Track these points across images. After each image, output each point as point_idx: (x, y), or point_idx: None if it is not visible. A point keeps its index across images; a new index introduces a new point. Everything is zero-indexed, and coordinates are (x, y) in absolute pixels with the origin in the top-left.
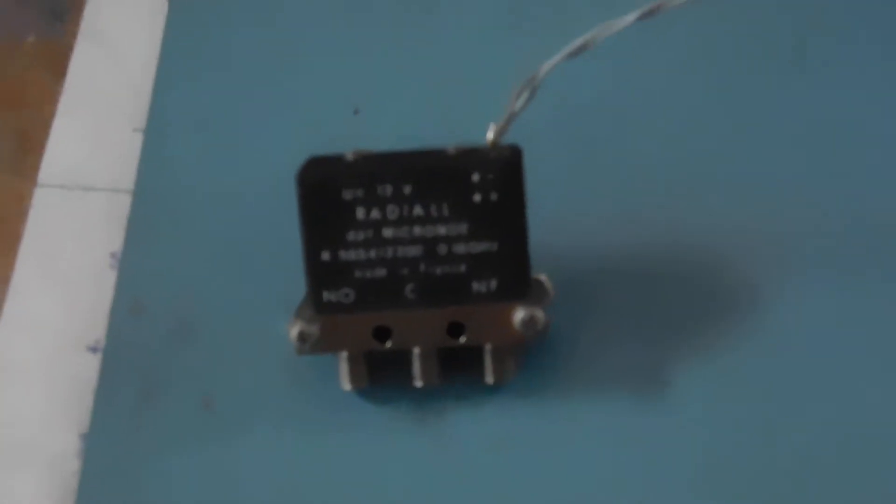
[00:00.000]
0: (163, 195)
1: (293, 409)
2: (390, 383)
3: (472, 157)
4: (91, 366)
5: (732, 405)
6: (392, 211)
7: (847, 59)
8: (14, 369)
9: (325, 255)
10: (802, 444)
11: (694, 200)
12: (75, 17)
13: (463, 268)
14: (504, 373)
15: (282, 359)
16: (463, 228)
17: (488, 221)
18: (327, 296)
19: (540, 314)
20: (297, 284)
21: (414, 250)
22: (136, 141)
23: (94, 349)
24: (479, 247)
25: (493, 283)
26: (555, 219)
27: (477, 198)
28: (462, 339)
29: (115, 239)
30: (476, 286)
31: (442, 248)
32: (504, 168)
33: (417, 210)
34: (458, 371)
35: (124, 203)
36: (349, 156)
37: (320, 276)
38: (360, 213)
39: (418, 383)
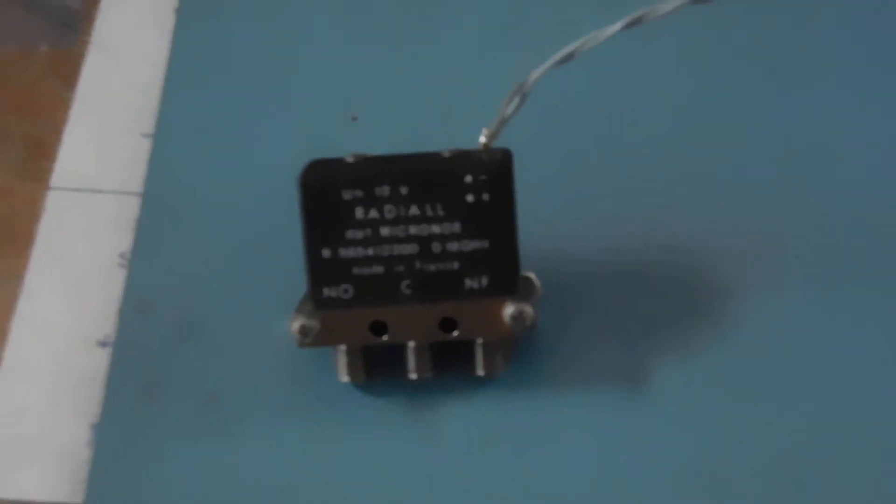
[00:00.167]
0: (170, 198)
1: (293, 402)
2: (386, 376)
3: (465, 159)
4: (100, 360)
5: (711, 401)
6: (389, 211)
7: (820, 70)
8: (27, 363)
9: (326, 253)
10: (778, 440)
11: (675, 205)
12: (86, 27)
13: (456, 265)
14: (494, 366)
15: (282, 354)
16: (456, 227)
17: (480, 221)
18: (327, 292)
19: (528, 309)
20: (296, 285)
21: (409, 248)
22: (144, 146)
23: (103, 344)
24: (471, 245)
25: (485, 280)
26: (542, 221)
27: (469, 198)
28: (455, 334)
29: (123, 240)
30: (468, 283)
31: (436, 247)
32: (495, 170)
33: (413, 210)
34: (451, 364)
35: (133, 205)
36: (348, 158)
37: (320, 272)
38: (358, 212)
39: (413, 376)
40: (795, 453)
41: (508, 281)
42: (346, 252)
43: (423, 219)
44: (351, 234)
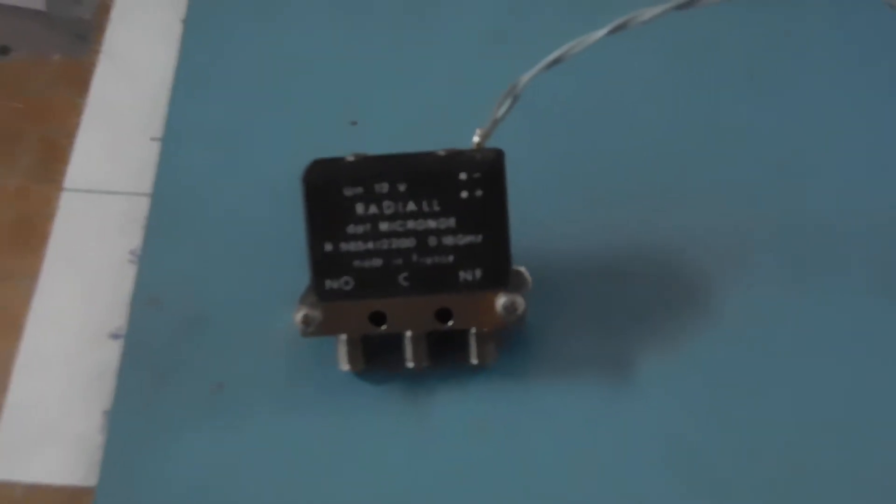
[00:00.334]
0: (177, 198)
1: (295, 389)
2: (384, 365)
3: (459, 158)
4: (112, 352)
5: (691, 388)
6: (388, 207)
7: (797, 75)
8: (43, 355)
9: (328, 247)
10: (755, 424)
11: (657, 204)
12: (97, 38)
13: (451, 258)
14: (486, 355)
15: (284, 345)
16: (451, 223)
17: (474, 216)
18: (329, 284)
19: (520, 300)
20: (297, 280)
21: (407, 242)
22: (153, 149)
23: (115, 336)
24: (465, 239)
25: (478, 273)
26: (532, 218)
27: (464, 195)
28: (450, 324)
29: (134, 238)
30: (462, 275)
31: (432, 241)
32: (488, 168)
33: (410, 206)
34: (445, 354)
35: (143, 205)
36: (349, 158)
37: (323, 265)
38: (359, 208)
39: (409, 364)
40: (773, 437)
41: (500, 273)
42: (347, 246)
43: (419, 214)
44: (352, 229)
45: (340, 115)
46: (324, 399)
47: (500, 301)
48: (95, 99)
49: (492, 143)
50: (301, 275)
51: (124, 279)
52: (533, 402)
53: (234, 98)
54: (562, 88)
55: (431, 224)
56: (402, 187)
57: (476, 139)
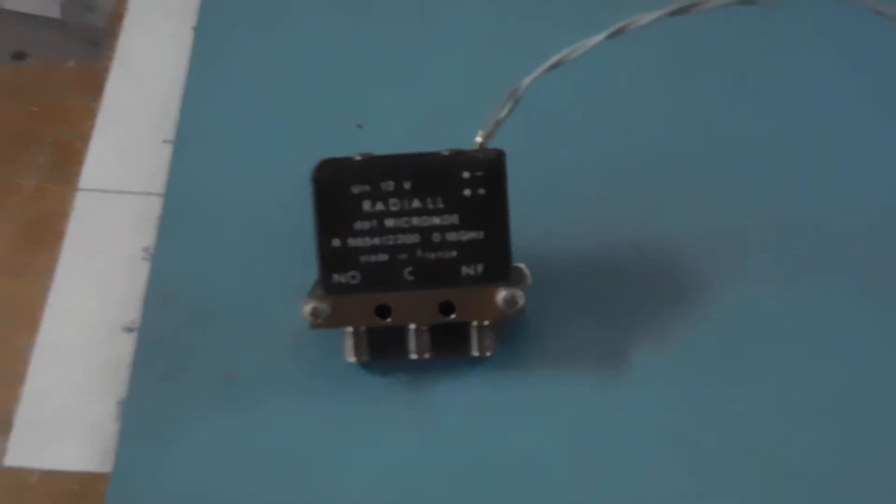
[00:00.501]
0: (189, 198)
1: (302, 380)
2: (388, 356)
3: (462, 157)
4: (126, 344)
5: (683, 379)
6: (394, 204)
7: (786, 81)
8: (59, 347)
9: (336, 242)
10: (746, 415)
11: (652, 203)
12: (110, 44)
13: (454, 254)
14: (487, 347)
15: (291, 338)
16: (454, 219)
17: (476, 214)
18: (336, 278)
19: (520, 294)
20: (304, 276)
21: (412, 238)
22: (165, 151)
23: (129, 329)
24: (467, 235)
25: (480, 268)
26: (531, 217)
27: (466, 193)
28: (452, 317)
29: (147, 236)
30: (465, 270)
31: (436, 237)
32: (490, 167)
33: (415, 203)
34: (448, 345)
35: (155, 205)
36: (357, 157)
37: (330, 260)
38: (365, 205)
39: (413, 356)
40: (764, 428)
41: (501, 268)
42: (354, 241)
43: (424, 211)
44: (359, 225)
45: (346, 117)
46: (330, 389)
47: (501, 295)
48: (109, 103)
49: (493, 144)
50: (308, 271)
51: (137, 276)
52: (531, 392)
53: (243, 102)
54: (562, 91)
55: (435, 221)
56: (407, 185)
57: (478, 140)
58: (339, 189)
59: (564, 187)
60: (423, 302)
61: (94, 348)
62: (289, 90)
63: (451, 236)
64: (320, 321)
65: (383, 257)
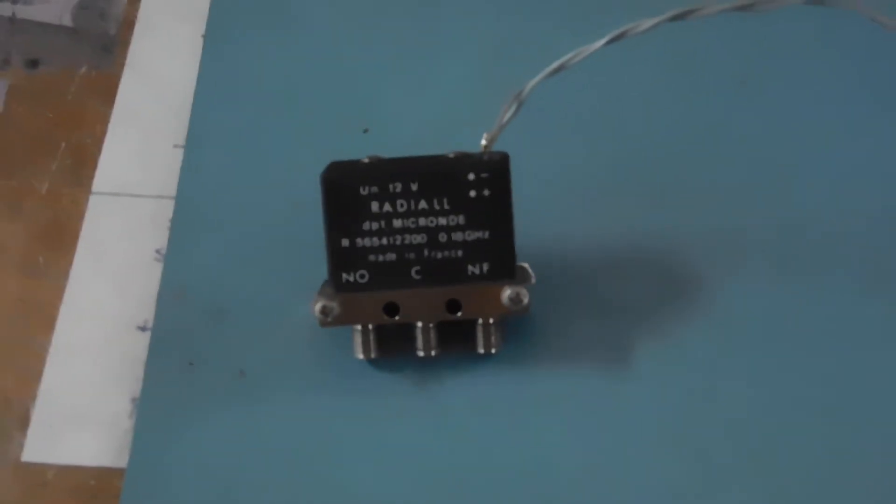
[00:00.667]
0: (200, 200)
1: (312, 377)
2: (396, 353)
3: (468, 160)
4: (141, 342)
5: (683, 373)
6: (401, 205)
7: (786, 83)
8: (75, 346)
9: (345, 242)
10: (744, 408)
11: (653, 203)
12: (122, 50)
13: (460, 253)
14: (493, 344)
15: (302, 335)
16: (460, 220)
17: (481, 214)
18: (345, 276)
19: (524, 292)
20: (313, 275)
21: (419, 238)
22: (177, 155)
23: (143, 328)
24: (473, 235)
25: (485, 266)
26: (535, 217)
27: (472, 194)
28: (458, 314)
29: (159, 237)
30: (471, 269)
31: (442, 237)
32: (495, 169)
33: (422, 204)
34: (454, 342)
35: (167, 207)
36: (365, 160)
37: (340, 259)
38: (374, 206)
39: (420, 353)
40: (760, 418)
41: (506, 267)
42: (363, 241)
43: (430, 212)
44: (367, 225)
45: (353, 122)
46: (339, 385)
47: (506, 293)
48: (121, 108)
49: (498, 147)
50: (317, 270)
51: (151, 276)
52: (536, 387)
53: (252, 107)
54: (564, 95)
55: (442, 221)
56: (414, 186)
57: (483, 142)
58: (347, 190)
59: (567, 188)
60: (431, 300)
61: (108, 346)
62: (297, 95)
63: (458, 236)
64: (330, 319)
65: (391, 256)
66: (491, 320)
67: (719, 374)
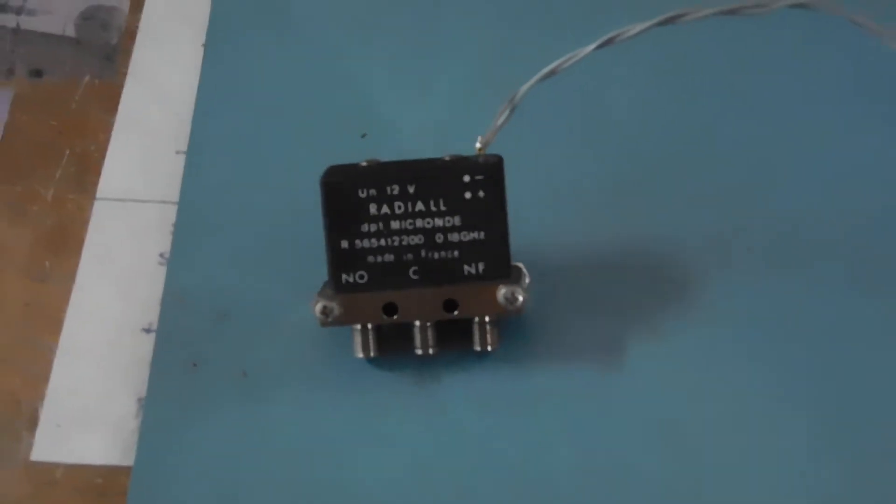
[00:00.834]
0: (202, 205)
1: (313, 376)
2: (395, 352)
3: (463, 163)
4: (145, 344)
5: (676, 369)
6: (398, 207)
7: (773, 87)
8: (82, 348)
9: (344, 244)
10: (734, 401)
11: (644, 203)
12: (124, 60)
13: (456, 253)
14: (489, 342)
15: (303, 335)
16: (456, 221)
17: (477, 215)
18: (345, 277)
19: (519, 291)
20: (313, 277)
21: (416, 239)
22: (179, 161)
23: (147, 330)
24: (469, 236)
25: (481, 266)
26: (529, 219)
27: (467, 196)
28: (455, 313)
29: (162, 242)
30: (467, 268)
31: (439, 237)
32: (490, 171)
33: (419, 206)
34: (451, 341)
35: (170, 212)
36: (363, 163)
37: (339, 261)
38: (372, 208)
39: (418, 351)
40: (751, 411)
41: (502, 266)
42: (362, 243)
43: (427, 213)
44: (365, 227)
45: (351, 127)
46: (339, 384)
47: (502, 292)
48: (124, 116)
49: (492, 150)
50: (316, 271)
51: (155, 279)
52: (532, 384)
53: (252, 113)
54: (556, 98)
55: (438, 222)
56: (411, 189)
57: (478, 146)
58: (346, 193)
59: (560, 190)
60: (428, 299)
61: (114, 348)
62: (295, 102)
63: (454, 237)
64: (330, 319)
65: (389, 257)
66: (487, 319)
67: (711, 370)
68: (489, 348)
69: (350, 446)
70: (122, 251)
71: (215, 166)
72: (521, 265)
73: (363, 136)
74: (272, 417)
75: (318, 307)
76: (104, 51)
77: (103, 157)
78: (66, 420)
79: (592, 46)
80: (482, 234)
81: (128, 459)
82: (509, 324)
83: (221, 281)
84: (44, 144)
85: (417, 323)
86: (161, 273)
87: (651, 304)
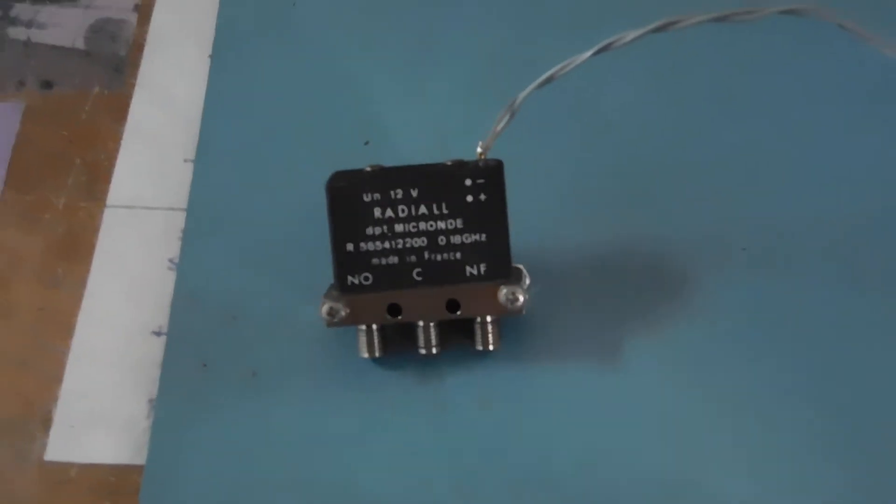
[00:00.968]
0: (210, 212)
1: (320, 375)
2: (399, 351)
3: (465, 167)
4: (156, 347)
5: (672, 366)
6: (402, 210)
7: (765, 92)
8: (93, 351)
9: (349, 247)
10: (729, 396)
11: (641, 206)
12: (133, 71)
13: (458, 255)
14: (491, 341)
15: (309, 336)
16: (458, 223)
17: (478, 218)
18: (350, 279)
19: (519, 292)
20: (319, 279)
21: (419, 241)
22: (187, 169)
23: (157, 333)
24: (470, 238)
25: (483, 267)
26: (529, 221)
27: (469, 199)
28: (458, 313)
29: (172, 247)
30: (469, 270)
31: (441, 240)
32: (490, 175)
33: (422, 209)
34: (454, 341)
35: (179, 219)
36: (367, 168)
37: (345, 263)
38: (376, 212)
39: (422, 351)
40: (745, 406)
41: (502, 267)
42: (366, 245)
43: (430, 216)
44: (370, 230)
45: (354, 135)
46: (345, 383)
47: (502, 292)
48: (133, 126)
49: (492, 154)
50: (322, 274)
51: (164, 284)
52: (532, 382)
53: (258, 122)
54: (555, 104)
55: (441, 225)
56: (414, 193)
57: (479, 150)
58: (351, 197)
59: (559, 193)
60: (431, 300)
61: (125, 351)
62: (300, 110)
63: (456, 239)
64: (336, 320)
65: (393, 259)
66: (489, 319)
67: (708, 368)
68: (491, 347)
69: (356, 442)
70: (131, 257)
71: (222, 173)
72: (521, 266)
73: (366, 143)
74: (280, 416)
75: (325, 308)
76: (113, 62)
77: (113, 165)
78: (79, 421)
79: (589, 53)
80: (483, 236)
81: (139, 458)
82: (510, 323)
83: (230, 284)
84: (55, 154)
85: (421, 323)
86: (170, 278)
87: (648, 304)
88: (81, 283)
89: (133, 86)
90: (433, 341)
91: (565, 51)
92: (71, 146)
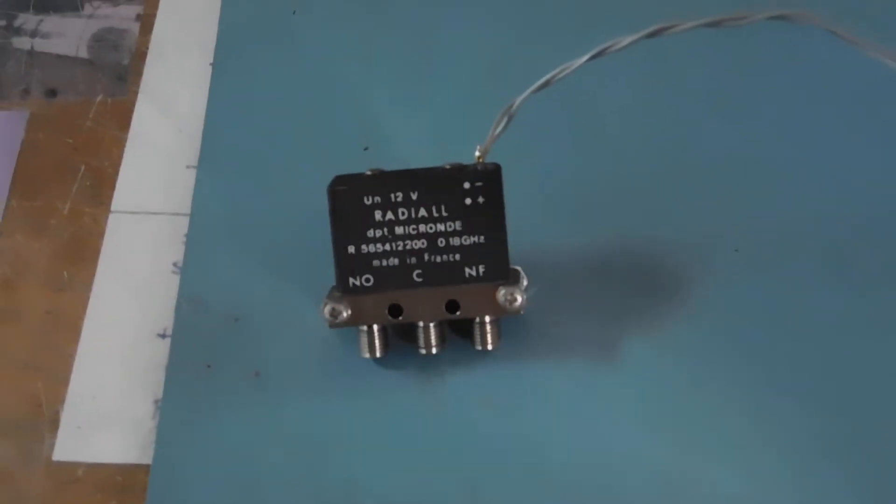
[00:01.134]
0: (213, 216)
1: (322, 375)
2: (400, 351)
3: (463, 170)
4: (161, 348)
5: (667, 365)
6: (402, 213)
7: (757, 96)
8: (99, 353)
9: (351, 249)
10: (722, 393)
11: (636, 208)
12: (135, 79)
13: (457, 257)
14: (490, 341)
15: (312, 337)
16: (457, 226)
17: (477, 220)
18: (352, 281)
19: (518, 293)
20: (322, 279)
21: (419, 243)
22: (190, 175)
23: (162, 335)
24: (469, 240)
25: (481, 269)
26: (527, 223)
27: (468, 202)
28: (457, 314)
29: (175, 252)
30: (468, 271)
31: (441, 241)
32: (489, 178)
33: (422, 212)
34: (454, 340)
35: (182, 224)
36: (368, 172)
37: (346, 265)
38: (377, 215)
39: (422, 351)
40: (738, 401)
41: (501, 269)
42: (367, 248)
43: (430, 219)
44: (371, 232)
45: (354, 140)
46: (347, 383)
47: (501, 293)
48: (136, 133)
49: (490, 158)
50: (324, 276)
51: (168, 287)
52: (531, 381)
53: (260, 128)
54: (551, 108)
55: (440, 227)
56: (414, 196)
57: (477, 154)
58: (352, 201)
59: (556, 195)
60: (431, 301)
61: (131, 353)
62: (301, 116)
63: (455, 241)
64: (338, 321)
65: (394, 261)
66: (488, 319)
67: (703, 367)
68: (490, 347)
69: (358, 441)
70: (136, 261)
71: (224, 179)
72: (519, 268)
73: (365, 148)
74: (283, 415)
75: (327, 309)
76: (116, 71)
77: (117, 172)
78: (86, 421)
79: (585, 58)
80: (482, 238)
81: (146, 458)
82: (509, 324)
83: (233, 287)
84: (60, 161)
85: (421, 323)
86: (174, 281)
87: (644, 304)
88: (87, 287)
89: (136, 93)
90: (433, 341)
91: (562, 55)
92: (75, 153)
